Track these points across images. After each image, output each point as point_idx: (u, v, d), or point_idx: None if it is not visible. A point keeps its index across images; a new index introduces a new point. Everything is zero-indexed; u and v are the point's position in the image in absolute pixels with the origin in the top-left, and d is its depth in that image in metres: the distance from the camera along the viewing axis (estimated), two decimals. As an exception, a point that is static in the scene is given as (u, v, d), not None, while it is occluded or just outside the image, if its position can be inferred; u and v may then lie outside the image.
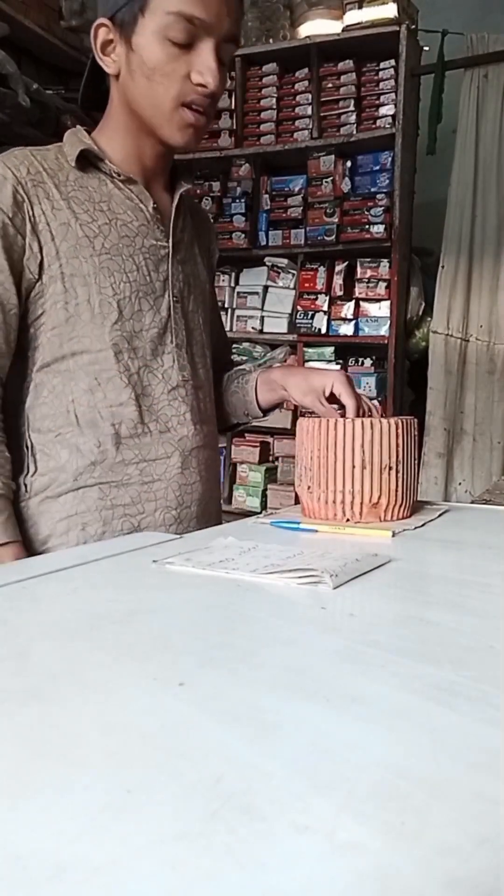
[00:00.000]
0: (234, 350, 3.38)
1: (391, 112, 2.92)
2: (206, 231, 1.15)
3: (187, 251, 1.05)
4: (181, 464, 0.99)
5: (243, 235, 3.21)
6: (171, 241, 1.00)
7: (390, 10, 2.87)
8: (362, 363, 3.09)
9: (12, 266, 0.91)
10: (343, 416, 0.97)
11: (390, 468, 0.87)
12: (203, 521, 1.02)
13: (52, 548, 0.95)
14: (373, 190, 2.96)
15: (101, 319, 0.93)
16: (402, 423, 0.88)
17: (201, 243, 1.12)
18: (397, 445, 0.87)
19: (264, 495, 3.27)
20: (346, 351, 3.15)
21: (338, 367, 3.06)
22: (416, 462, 0.93)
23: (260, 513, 1.06)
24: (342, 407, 1.00)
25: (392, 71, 2.90)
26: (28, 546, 0.94)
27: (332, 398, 1.01)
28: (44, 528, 0.95)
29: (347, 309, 3.05)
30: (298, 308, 3.15)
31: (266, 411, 1.16)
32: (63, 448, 0.94)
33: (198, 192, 3.30)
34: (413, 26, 2.94)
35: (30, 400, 0.96)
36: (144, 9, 0.88)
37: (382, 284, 2.98)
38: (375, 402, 2.95)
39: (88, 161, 0.96)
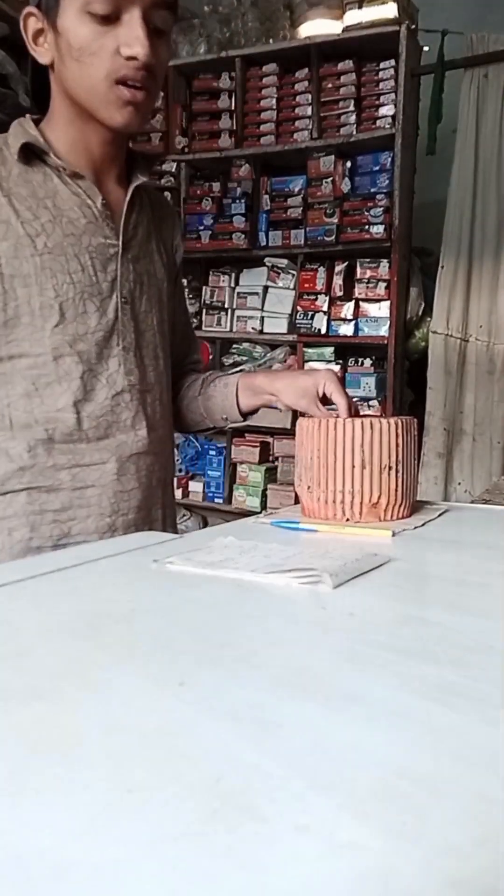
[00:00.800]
0: (233, 350, 3.39)
1: (391, 112, 2.92)
2: (168, 226, 1.09)
3: (141, 248, 1.00)
4: (117, 470, 0.94)
5: (243, 236, 3.21)
6: (121, 238, 0.95)
7: (390, 10, 2.87)
8: (362, 363, 3.09)
9: None
10: (337, 415, 0.97)
11: (390, 468, 0.87)
12: (144, 527, 0.98)
13: None
14: (373, 190, 2.96)
15: (42, 322, 0.89)
16: (402, 423, 0.88)
17: (162, 240, 1.06)
18: (397, 445, 0.87)
19: (264, 495, 3.27)
20: (346, 351, 3.15)
21: (335, 366, 3.06)
22: (416, 462, 0.93)
23: (260, 513, 1.05)
24: (333, 405, 1.00)
25: (392, 71, 2.90)
26: None
27: (324, 398, 1.01)
28: None
29: (347, 309, 3.05)
30: (298, 308, 3.15)
31: (246, 416, 1.12)
32: None
33: (198, 191, 3.30)
34: (413, 26, 2.94)
35: None
36: None
37: (382, 285, 2.98)
38: (374, 401, 2.97)
39: (34, 154, 0.91)
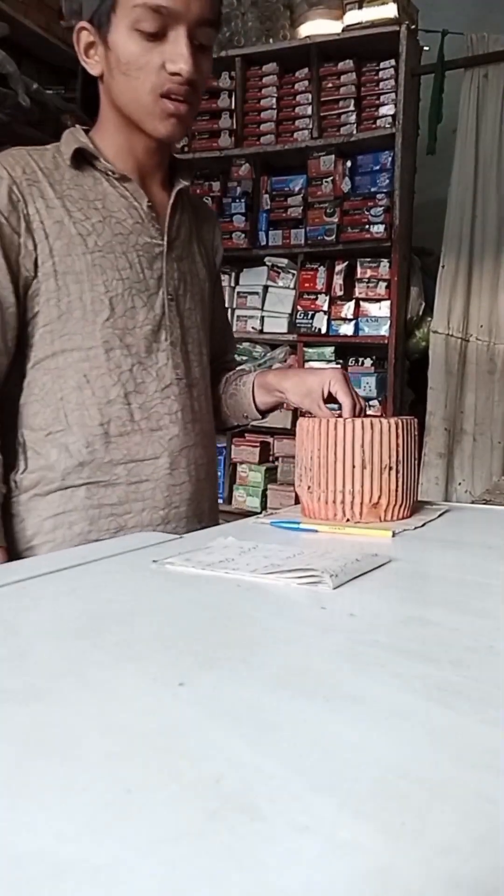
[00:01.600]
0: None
1: (391, 112, 2.92)
2: (209, 229, 1.15)
3: (184, 248, 1.05)
4: (170, 464, 0.99)
5: (243, 235, 3.21)
6: (166, 238, 1.00)
7: (390, 10, 2.87)
8: (362, 363, 3.09)
9: (9, 265, 0.91)
10: (340, 414, 0.97)
11: (390, 468, 0.87)
12: (195, 521, 1.02)
13: (38, 545, 0.95)
14: (373, 190, 2.96)
15: (93, 316, 0.94)
16: (402, 423, 0.88)
17: (202, 241, 1.12)
18: (397, 445, 0.87)
19: (264, 495, 3.27)
20: (346, 351, 3.15)
21: (336, 365, 3.06)
22: (417, 462, 0.93)
23: (260, 513, 1.06)
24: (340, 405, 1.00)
25: (392, 71, 2.90)
26: (14, 543, 0.96)
27: (331, 397, 1.01)
28: (31, 525, 0.96)
29: (347, 309, 3.05)
30: (298, 308, 3.15)
31: (264, 413, 1.16)
32: (52, 447, 0.95)
33: (198, 191, 3.30)
34: (413, 26, 2.94)
35: (24, 397, 0.96)
36: (115, 6, 0.88)
37: (382, 284, 2.98)
38: (375, 401, 2.97)
39: (84, 159, 0.97)
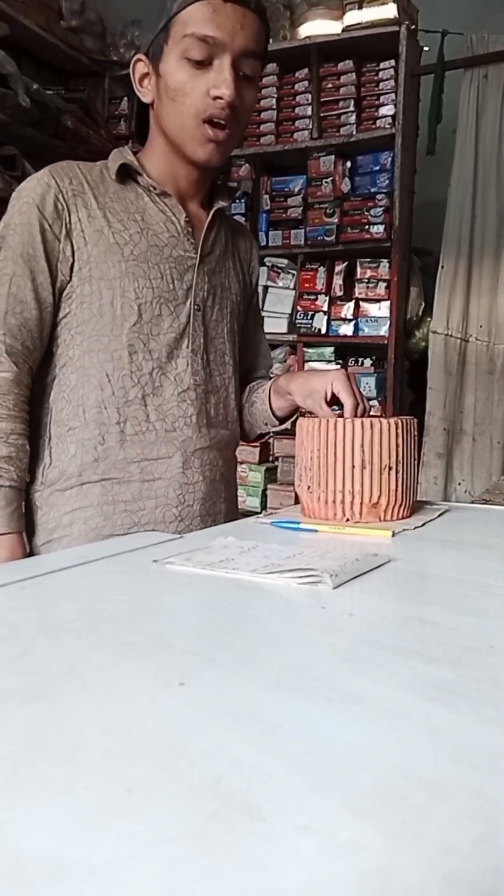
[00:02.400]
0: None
1: (391, 112, 2.92)
2: (246, 249, 1.20)
3: (218, 263, 1.10)
4: (182, 464, 1.02)
5: (243, 235, 3.20)
6: (199, 252, 1.05)
7: (390, 11, 2.87)
8: (362, 363, 3.09)
9: (50, 268, 0.98)
10: (342, 414, 0.97)
11: (390, 468, 0.87)
12: (209, 519, 1.05)
13: (58, 539, 0.99)
14: (373, 190, 2.96)
15: (122, 321, 0.98)
16: (402, 423, 0.88)
17: (238, 258, 1.17)
18: (397, 445, 0.87)
19: (264, 495, 3.27)
20: (346, 351, 3.15)
21: (337, 366, 3.06)
22: (416, 462, 0.93)
23: (260, 513, 1.06)
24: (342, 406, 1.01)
25: (392, 71, 2.91)
26: (37, 534, 1.00)
27: (334, 398, 1.02)
28: (52, 519, 1.00)
29: (347, 309, 3.05)
30: (298, 308, 3.15)
31: (282, 419, 1.17)
32: (72, 443, 0.99)
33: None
34: (413, 26, 2.94)
35: (53, 394, 1.01)
36: (168, 38, 0.95)
37: (382, 284, 2.98)
38: (375, 401, 2.97)
39: (128, 175, 1.03)
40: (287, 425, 1.18)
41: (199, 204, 1.09)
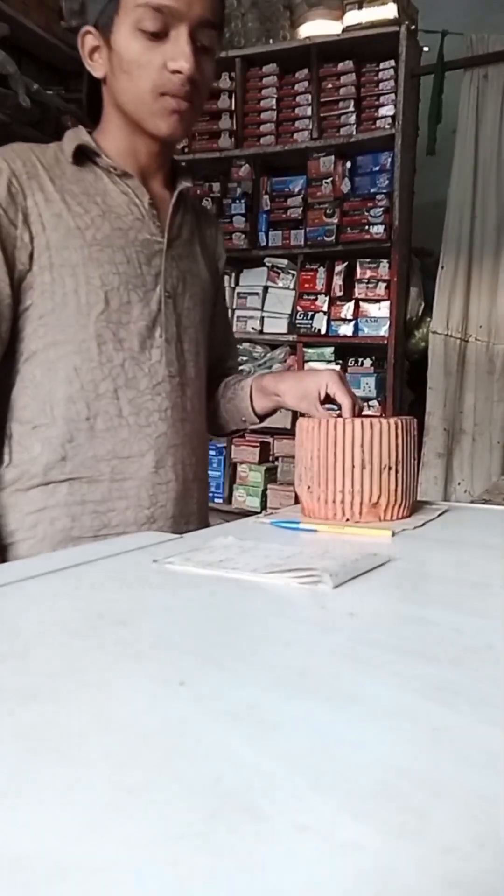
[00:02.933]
0: (233, 350, 3.39)
1: (391, 112, 2.92)
2: (211, 234, 1.15)
3: (185, 248, 1.05)
4: (155, 462, 0.97)
5: (243, 236, 3.21)
6: (166, 236, 1.00)
7: (390, 11, 2.87)
8: (362, 363, 3.09)
9: (6, 257, 0.91)
10: (339, 415, 0.97)
11: (390, 468, 0.87)
12: (182, 520, 1.01)
13: (19, 542, 0.94)
14: (373, 190, 2.96)
15: (87, 309, 0.93)
16: (402, 423, 0.88)
17: (205, 245, 1.12)
18: (397, 445, 0.87)
19: (264, 495, 3.27)
20: (346, 351, 3.15)
21: (335, 366, 3.06)
22: (416, 462, 0.93)
23: (260, 513, 1.05)
24: (338, 406, 1.00)
25: (392, 71, 2.91)
26: None
27: (328, 398, 1.01)
28: (12, 521, 0.94)
29: (347, 309, 3.05)
30: (298, 308, 3.15)
31: (262, 417, 1.15)
32: (37, 441, 0.93)
33: (198, 192, 3.30)
34: (413, 27, 2.94)
35: (15, 391, 0.95)
36: (118, 7, 0.89)
37: (382, 285, 2.98)
38: (374, 401, 2.97)
39: (86, 156, 0.97)
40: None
41: (162, 184, 1.04)
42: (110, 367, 0.94)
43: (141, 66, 0.90)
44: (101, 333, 0.93)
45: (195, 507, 1.05)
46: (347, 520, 0.87)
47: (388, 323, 2.96)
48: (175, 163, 1.07)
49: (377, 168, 2.96)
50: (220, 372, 1.21)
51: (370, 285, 3.00)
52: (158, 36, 0.89)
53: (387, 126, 2.92)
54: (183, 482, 1.01)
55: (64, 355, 0.93)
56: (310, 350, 3.15)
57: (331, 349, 3.11)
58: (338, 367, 3.02)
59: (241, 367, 3.24)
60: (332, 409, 1.02)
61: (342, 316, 3.06)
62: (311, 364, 3.11)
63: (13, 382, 0.96)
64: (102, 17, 0.91)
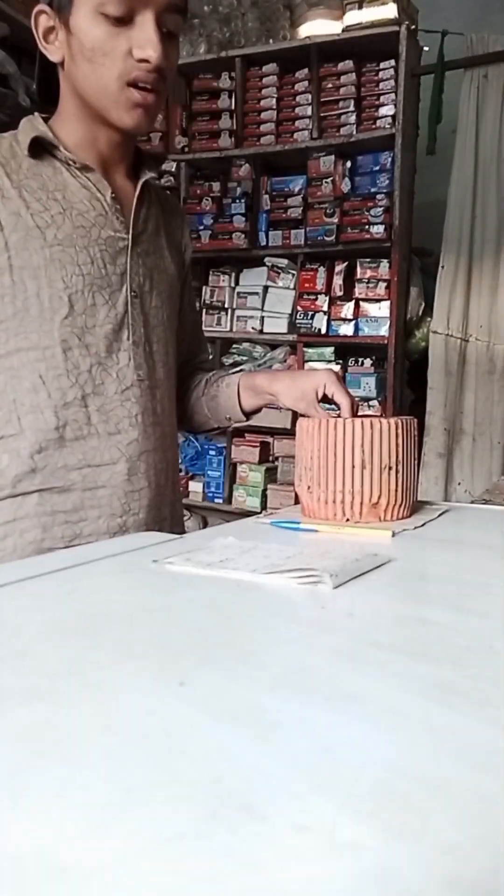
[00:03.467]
0: (233, 350, 3.39)
1: (391, 112, 2.92)
2: (176, 225, 1.09)
3: (151, 243, 1.00)
4: (128, 470, 0.94)
5: (243, 235, 3.21)
6: (130, 232, 0.95)
7: (390, 11, 2.87)
8: (362, 363, 3.09)
9: None
10: (339, 415, 0.97)
11: (390, 468, 0.87)
12: (155, 528, 0.97)
13: None
14: (373, 190, 2.96)
15: (51, 314, 0.89)
16: (402, 423, 0.88)
17: (171, 237, 1.07)
18: (397, 445, 0.87)
19: (264, 495, 3.27)
20: (346, 351, 3.15)
21: (336, 366, 3.06)
22: (416, 462, 0.93)
23: (260, 513, 1.05)
24: (337, 406, 1.00)
25: (392, 71, 2.90)
26: None
27: (325, 398, 1.01)
28: None
29: (347, 309, 3.05)
30: (298, 308, 3.15)
31: (249, 416, 1.13)
32: (3, 452, 0.90)
33: (198, 191, 3.30)
34: (413, 26, 2.94)
35: None
36: None
37: (382, 285, 2.98)
38: (375, 401, 2.97)
39: (43, 148, 0.91)
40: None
41: (125, 176, 0.98)
42: (77, 374, 0.90)
43: (105, 53, 0.85)
44: (67, 339, 0.90)
45: (168, 512, 1.02)
46: (347, 520, 0.87)
47: (389, 323, 2.96)
48: (139, 152, 1.02)
49: (377, 168, 2.96)
50: (193, 367, 1.18)
51: (370, 285, 3.00)
52: (122, 21, 0.84)
53: (387, 126, 2.92)
54: (156, 487, 0.98)
55: (28, 362, 0.89)
56: (310, 350, 3.15)
57: (331, 349, 3.11)
58: (335, 367, 3.02)
59: (240, 367, 3.25)
60: (331, 410, 1.02)
61: (342, 316, 3.06)
62: (312, 364, 3.11)
63: None
64: None
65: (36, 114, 0.95)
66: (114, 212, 0.94)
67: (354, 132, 2.99)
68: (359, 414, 1.00)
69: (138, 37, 0.85)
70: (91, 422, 0.92)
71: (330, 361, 3.09)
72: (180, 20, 0.89)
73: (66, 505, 0.91)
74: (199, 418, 1.17)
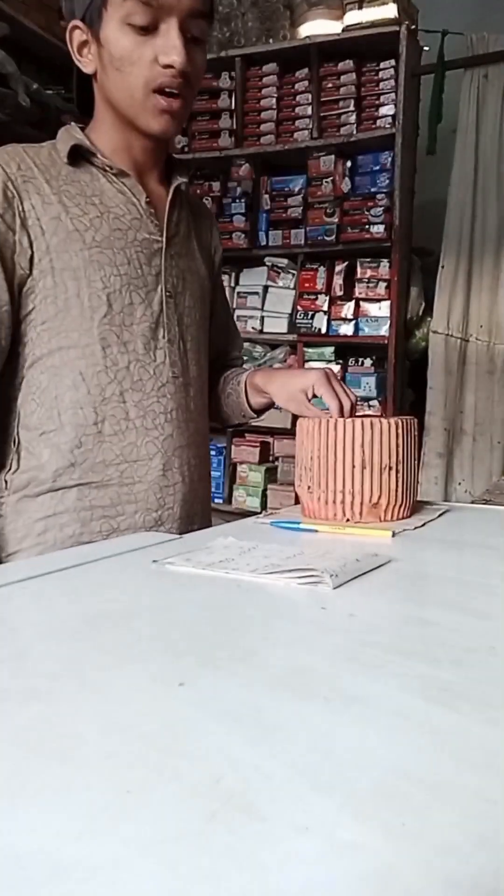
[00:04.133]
0: (234, 350, 3.39)
1: (391, 112, 2.92)
2: (206, 228, 1.14)
3: (183, 245, 1.04)
4: (163, 465, 0.97)
5: (243, 235, 3.20)
6: (164, 235, 0.99)
7: (390, 11, 2.87)
8: (362, 363, 3.09)
9: (3, 263, 0.90)
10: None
11: (390, 468, 0.87)
12: (187, 522, 1.01)
13: (28, 548, 0.94)
14: (373, 190, 2.96)
15: (91, 313, 0.92)
16: (402, 423, 0.88)
17: (201, 240, 1.11)
18: (397, 445, 0.87)
19: (264, 495, 3.27)
20: (346, 351, 3.15)
21: (335, 366, 3.06)
22: (416, 462, 0.93)
23: (260, 513, 1.05)
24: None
25: (392, 71, 2.90)
26: (2, 545, 0.95)
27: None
28: (21, 527, 0.94)
29: (347, 309, 3.05)
30: (298, 308, 3.15)
31: (259, 413, 1.16)
32: (45, 447, 0.93)
33: (198, 191, 3.30)
34: (413, 26, 2.94)
35: (21, 396, 0.95)
36: (106, 2, 0.88)
37: (382, 284, 2.98)
38: (375, 401, 2.96)
39: (81, 156, 0.96)
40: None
41: (158, 181, 1.03)
42: (116, 371, 0.94)
43: (132, 62, 0.89)
44: (106, 337, 0.93)
45: (199, 507, 1.05)
46: (348, 520, 0.87)
47: (389, 322, 2.96)
48: (170, 158, 1.06)
49: (377, 167, 2.96)
50: (223, 364, 1.21)
51: (370, 285, 3.00)
52: (148, 30, 0.88)
53: (387, 125, 2.92)
54: (189, 483, 1.01)
55: (69, 360, 0.93)
56: (310, 350, 3.15)
57: (331, 349, 3.11)
58: (329, 367, 3.01)
59: (244, 361, 3.24)
60: (328, 409, 1.02)
61: (342, 315, 3.06)
62: (312, 364, 3.11)
63: (19, 388, 0.95)
64: (90, 12, 0.90)
65: (73, 123, 0.99)
66: (148, 215, 0.98)
67: (354, 132, 2.99)
68: (359, 414, 1.00)
69: (163, 44, 0.88)
70: (129, 417, 0.95)
71: (330, 361, 3.09)
72: (205, 25, 0.92)
73: (104, 500, 0.94)
74: (223, 415, 1.21)
